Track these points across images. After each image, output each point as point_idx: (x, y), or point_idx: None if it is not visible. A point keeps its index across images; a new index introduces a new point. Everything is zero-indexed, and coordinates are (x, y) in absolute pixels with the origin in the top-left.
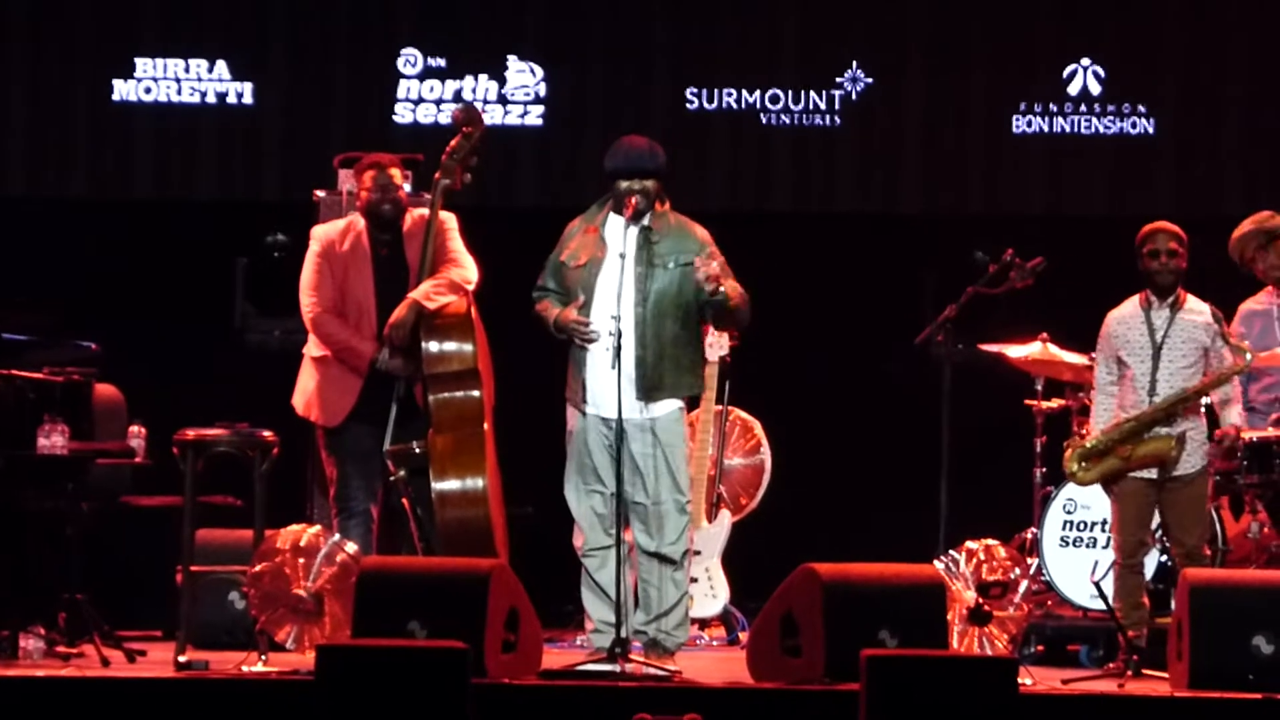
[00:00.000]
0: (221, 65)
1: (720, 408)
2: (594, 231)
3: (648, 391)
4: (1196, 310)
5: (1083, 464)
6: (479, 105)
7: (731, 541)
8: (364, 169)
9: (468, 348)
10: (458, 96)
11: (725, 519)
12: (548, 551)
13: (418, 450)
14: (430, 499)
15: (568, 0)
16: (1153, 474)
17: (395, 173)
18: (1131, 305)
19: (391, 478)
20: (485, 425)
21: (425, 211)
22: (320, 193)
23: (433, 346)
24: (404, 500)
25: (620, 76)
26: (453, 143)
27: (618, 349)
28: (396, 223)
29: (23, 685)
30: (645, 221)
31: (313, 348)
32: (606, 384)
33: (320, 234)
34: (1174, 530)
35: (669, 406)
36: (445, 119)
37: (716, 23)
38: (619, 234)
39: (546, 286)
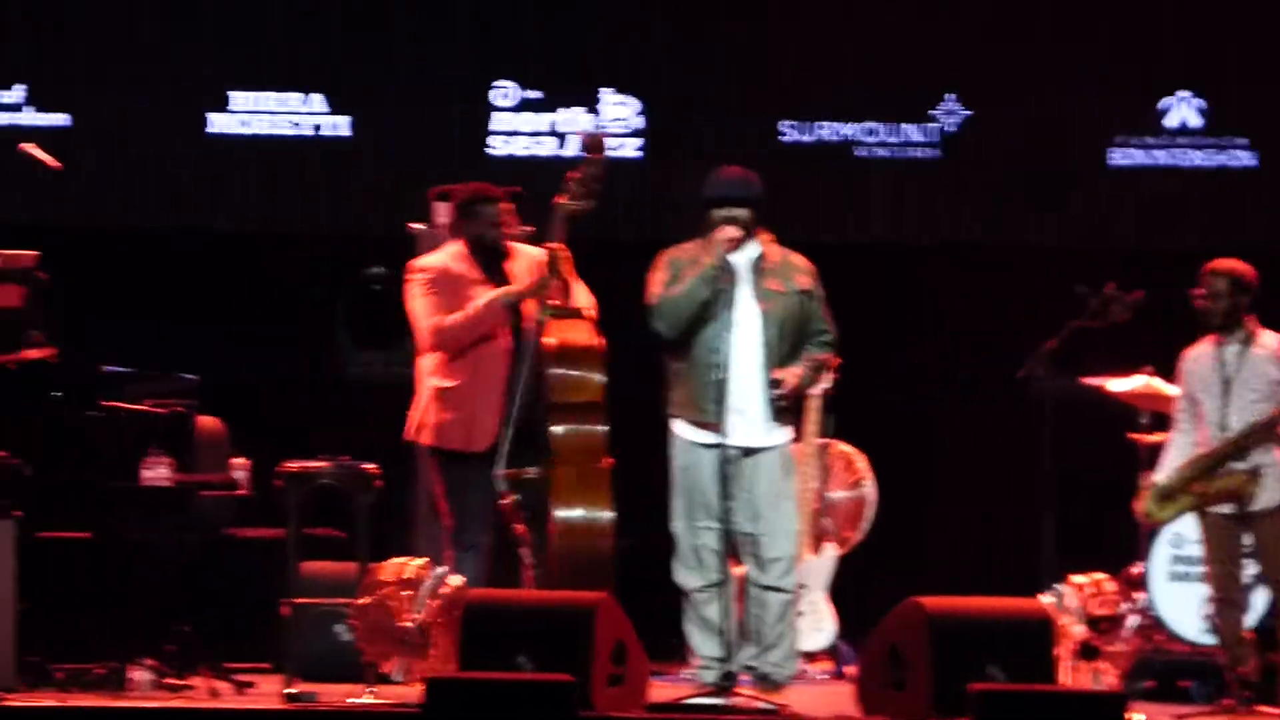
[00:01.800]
0: (318, 98)
1: (823, 441)
2: (714, 261)
3: (778, 416)
4: (1268, 344)
5: (1159, 504)
6: (603, 133)
7: (836, 574)
8: (478, 201)
9: (597, 379)
10: (553, 129)
11: (830, 552)
12: (652, 584)
13: (532, 476)
14: (544, 526)
15: (664, 33)
16: (1231, 509)
17: (507, 206)
18: (1205, 342)
19: (503, 502)
20: (608, 460)
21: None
22: (416, 225)
23: (562, 374)
24: (515, 526)
25: (716, 109)
26: (579, 169)
27: (721, 380)
28: (504, 255)
29: (131, 717)
30: (758, 250)
31: (439, 378)
32: (728, 412)
33: (427, 263)
34: (1265, 566)
35: (788, 434)
36: (541, 151)
37: (812, 56)
38: (738, 264)
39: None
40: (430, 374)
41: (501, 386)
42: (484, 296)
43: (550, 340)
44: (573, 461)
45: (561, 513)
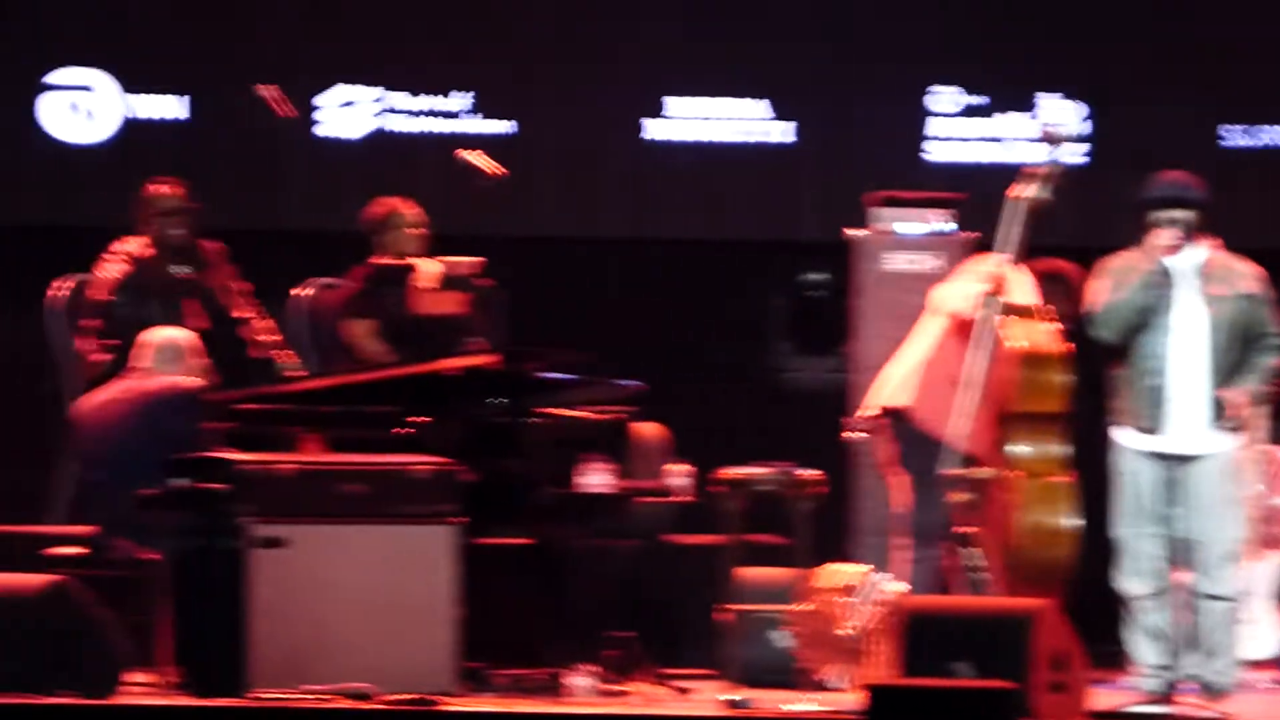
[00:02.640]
0: (758, 104)
1: (1269, 446)
2: (1154, 266)
3: (1216, 420)
4: None
5: None
6: (1064, 130)
7: None
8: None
9: (1063, 386)
10: (993, 135)
11: (1275, 559)
12: (1091, 590)
13: (981, 477)
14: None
15: (1105, 39)
16: None
17: None
18: None
19: (954, 500)
20: (1066, 472)
21: None
22: (854, 231)
23: (1029, 380)
24: (965, 527)
25: (1156, 114)
26: (1041, 164)
27: (1162, 386)
28: None
29: None
30: (1202, 255)
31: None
32: (1170, 418)
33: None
34: None
35: (1234, 440)
36: (980, 157)
37: (1253, 59)
38: (1182, 269)
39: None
40: (934, 353)
41: (973, 383)
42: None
43: (1019, 344)
44: (1037, 471)
45: (1028, 519)
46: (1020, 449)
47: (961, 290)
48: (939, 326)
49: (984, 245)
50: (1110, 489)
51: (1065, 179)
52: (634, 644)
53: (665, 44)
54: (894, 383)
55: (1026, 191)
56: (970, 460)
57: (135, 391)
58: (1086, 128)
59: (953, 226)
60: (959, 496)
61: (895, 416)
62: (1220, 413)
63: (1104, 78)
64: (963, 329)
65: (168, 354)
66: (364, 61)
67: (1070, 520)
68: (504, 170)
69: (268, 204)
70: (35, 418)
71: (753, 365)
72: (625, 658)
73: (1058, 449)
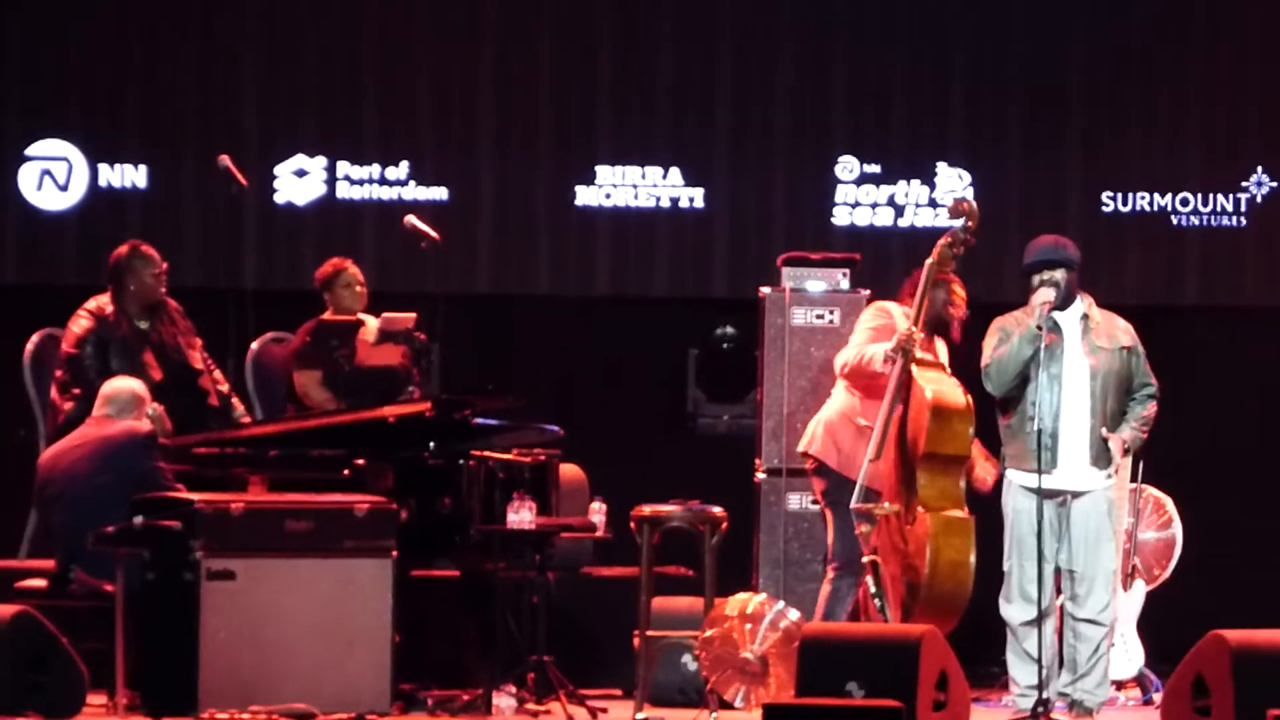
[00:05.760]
0: (675, 172)
1: (1135, 485)
2: (1037, 321)
3: (1097, 460)
4: None
5: None
6: (969, 202)
7: (1145, 608)
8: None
9: (969, 433)
10: (890, 201)
11: (1140, 588)
12: (972, 616)
13: (882, 513)
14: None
15: (990, 112)
16: None
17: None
18: None
19: (857, 532)
20: (965, 510)
21: None
22: (765, 289)
23: (938, 426)
24: (864, 557)
25: (1039, 181)
26: (948, 233)
27: (1045, 430)
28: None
29: None
30: (1083, 309)
31: (850, 407)
32: (1054, 460)
33: (888, 308)
34: None
35: (1111, 479)
36: (880, 222)
37: (1128, 131)
38: (1065, 322)
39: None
40: (844, 401)
41: (880, 427)
42: (875, 347)
43: (927, 394)
44: (940, 507)
45: (932, 554)
46: (927, 487)
47: (854, 349)
48: (842, 384)
49: (874, 300)
50: (1001, 526)
51: (969, 246)
52: (555, 668)
53: (597, 119)
54: (811, 432)
55: (935, 257)
56: (874, 495)
57: (94, 437)
58: (970, 194)
59: (847, 285)
60: (863, 528)
61: (816, 461)
62: (1101, 454)
63: (991, 147)
64: (856, 381)
65: (122, 402)
66: (315, 133)
67: (972, 553)
68: (438, 235)
69: (225, 264)
70: (12, 464)
71: (669, 411)
72: (547, 680)
73: (959, 489)
